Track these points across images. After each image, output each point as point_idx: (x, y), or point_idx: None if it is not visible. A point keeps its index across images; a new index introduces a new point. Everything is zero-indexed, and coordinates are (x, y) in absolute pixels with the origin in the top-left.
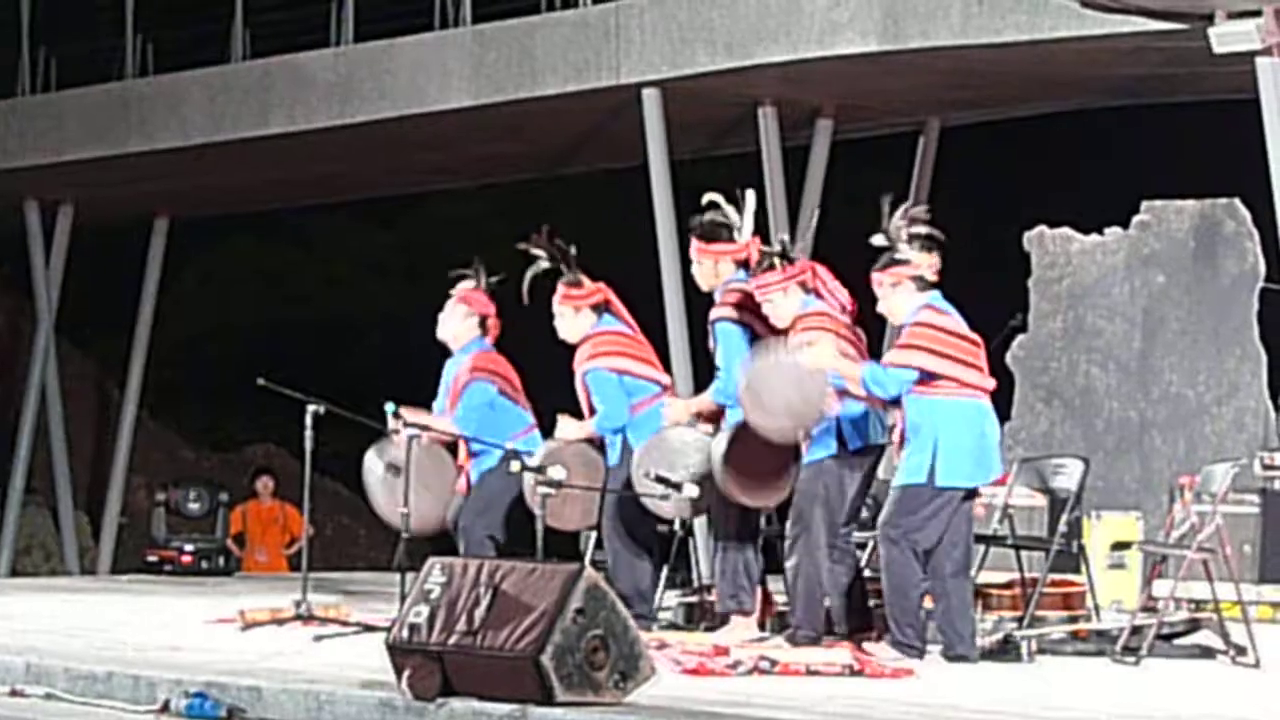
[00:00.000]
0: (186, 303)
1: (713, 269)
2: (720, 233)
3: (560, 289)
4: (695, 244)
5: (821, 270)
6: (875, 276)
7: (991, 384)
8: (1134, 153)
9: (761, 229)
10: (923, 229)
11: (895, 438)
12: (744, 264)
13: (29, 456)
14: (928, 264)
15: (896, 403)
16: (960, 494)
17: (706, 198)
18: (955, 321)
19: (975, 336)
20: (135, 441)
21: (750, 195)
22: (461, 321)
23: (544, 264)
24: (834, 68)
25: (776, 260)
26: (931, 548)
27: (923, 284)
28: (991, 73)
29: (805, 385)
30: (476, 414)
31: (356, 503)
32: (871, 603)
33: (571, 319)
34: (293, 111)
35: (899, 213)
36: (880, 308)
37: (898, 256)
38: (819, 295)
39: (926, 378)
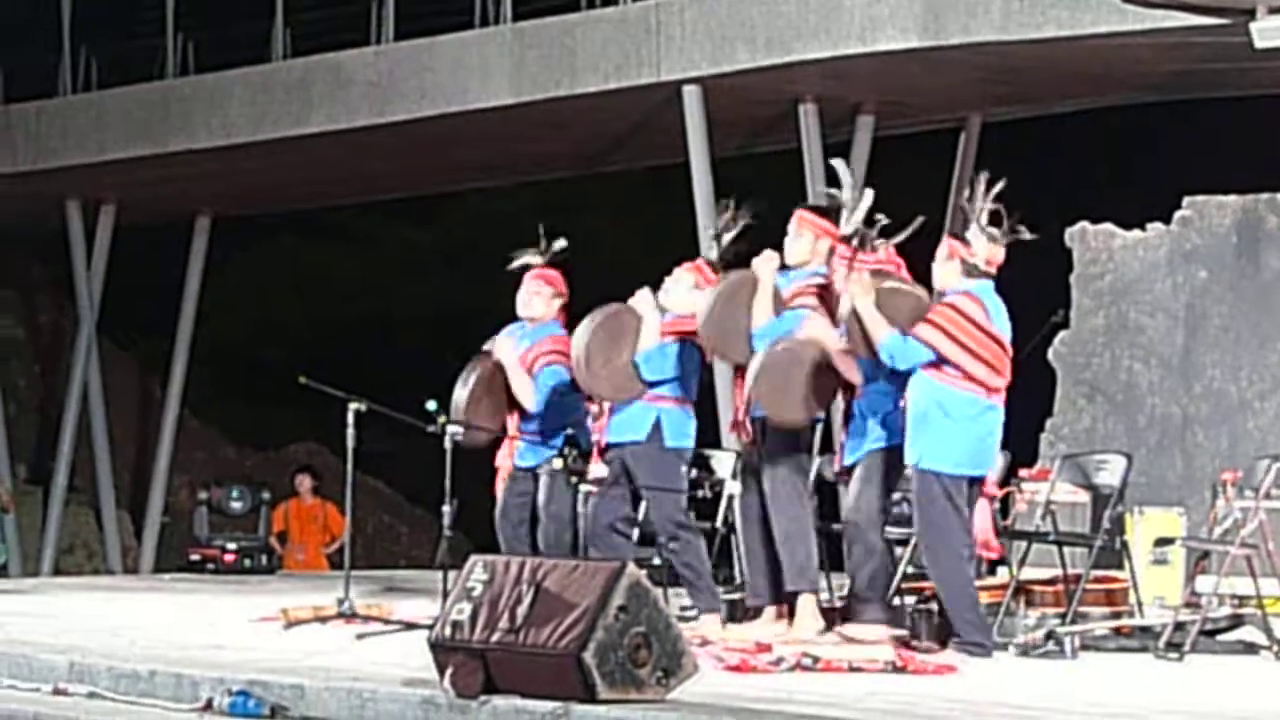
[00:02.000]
0: (228, 301)
1: (811, 245)
2: (831, 212)
3: (703, 264)
4: (801, 214)
5: (903, 271)
6: (943, 240)
7: (1001, 384)
8: (1176, 148)
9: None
10: (995, 219)
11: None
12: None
13: (71, 456)
14: (986, 253)
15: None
16: (964, 481)
17: (834, 161)
18: (986, 317)
19: (1002, 338)
20: (177, 440)
21: (869, 194)
22: (548, 302)
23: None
24: (875, 64)
25: (879, 245)
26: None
27: (972, 270)
28: (1032, 68)
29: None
30: (548, 396)
31: (398, 500)
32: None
33: (686, 291)
34: (333, 110)
35: (985, 195)
36: (934, 268)
37: (965, 234)
38: None
39: (936, 360)
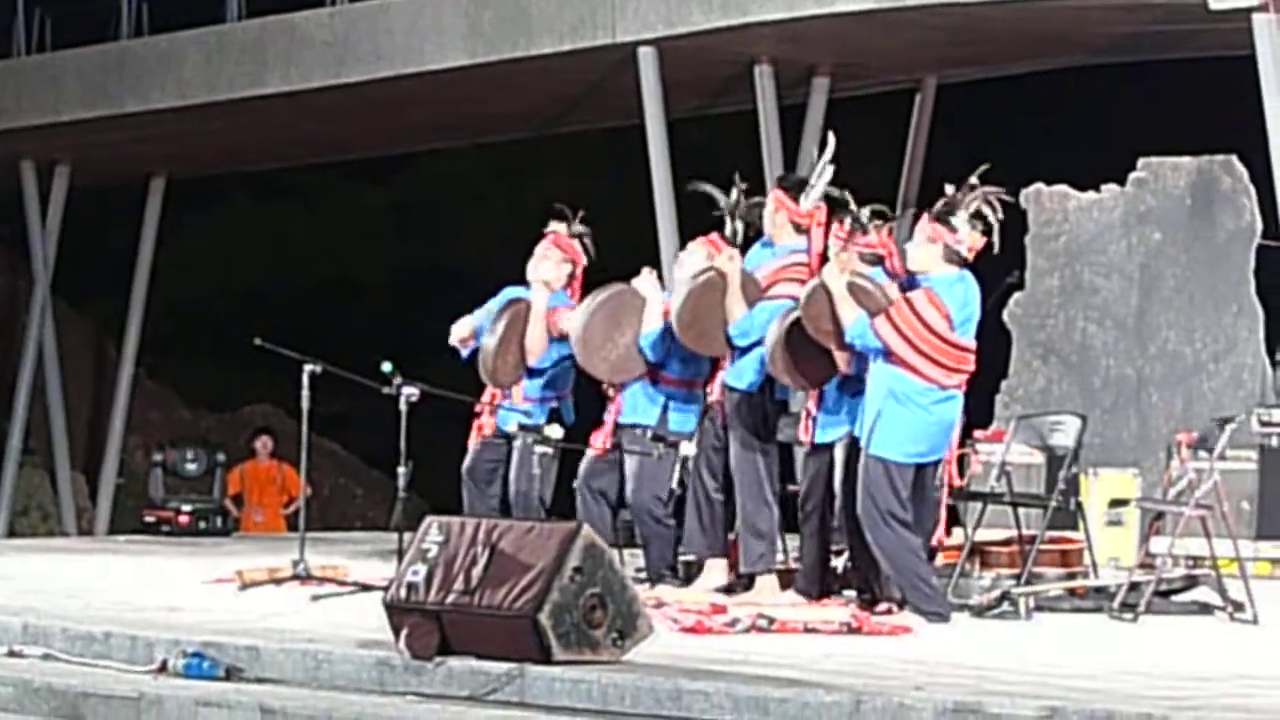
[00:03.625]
0: (183, 262)
1: (771, 218)
2: (795, 186)
3: (716, 238)
4: (774, 187)
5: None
6: (922, 222)
7: (953, 381)
8: (1131, 109)
9: (758, 189)
10: (984, 208)
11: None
12: (803, 230)
13: (26, 417)
14: (970, 241)
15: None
16: (912, 468)
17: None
18: (945, 319)
19: (959, 340)
20: (133, 402)
21: (829, 170)
22: (557, 266)
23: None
24: (830, 25)
25: (870, 227)
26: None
27: (953, 257)
28: (988, 30)
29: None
30: (554, 367)
31: (354, 462)
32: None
33: (701, 265)
34: (289, 71)
35: (975, 185)
36: (908, 248)
37: (951, 220)
38: (889, 274)
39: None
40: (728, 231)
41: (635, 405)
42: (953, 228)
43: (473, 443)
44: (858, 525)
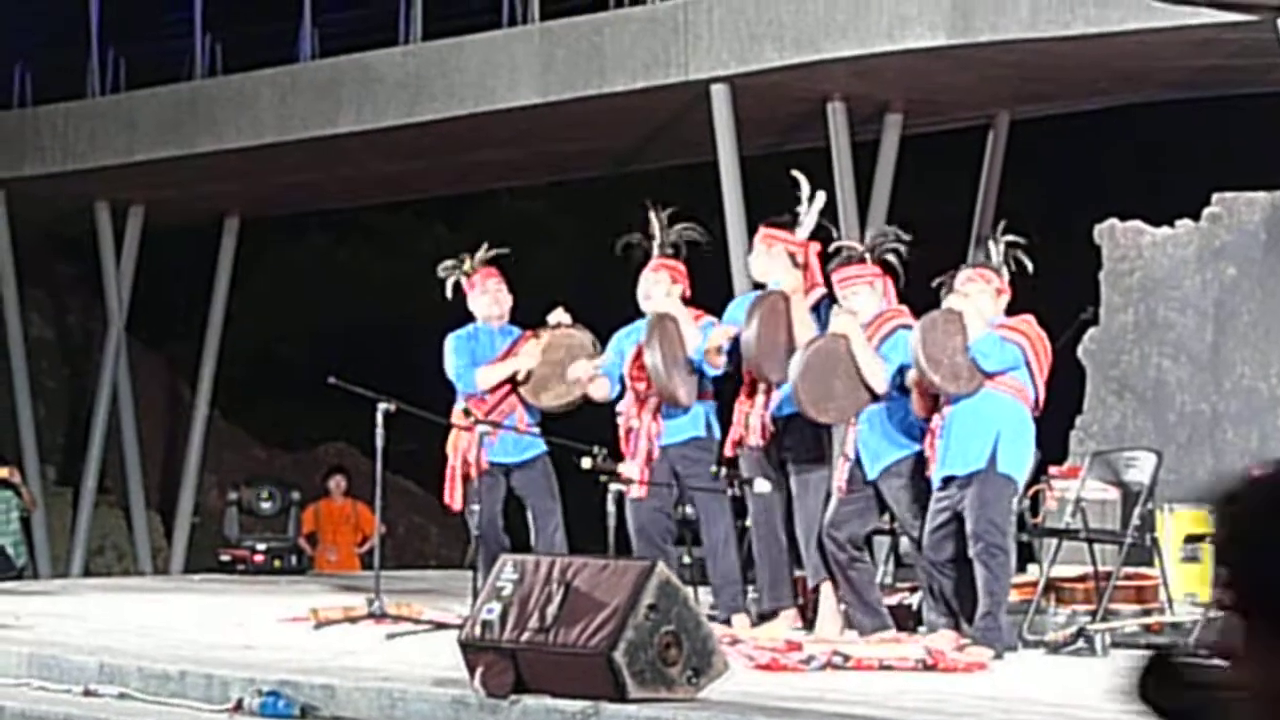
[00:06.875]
0: (257, 302)
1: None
2: (788, 223)
3: (666, 261)
4: (786, 236)
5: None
6: (978, 273)
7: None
8: (1204, 144)
9: (830, 225)
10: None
11: (933, 425)
12: (799, 264)
13: (101, 457)
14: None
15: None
16: (1016, 487)
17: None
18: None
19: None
20: (207, 441)
21: (820, 195)
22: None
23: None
24: (903, 62)
25: (868, 255)
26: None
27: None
28: (1060, 66)
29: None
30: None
31: (429, 501)
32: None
33: (666, 292)
34: (362, 110)
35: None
36: (961, 304)
37: (1002, 272)
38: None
39: (1004, 371)
40: (658, 251)
41: (690, 421)
42: (1002, 276)
43: (483, 496)
44: (954, 553)
